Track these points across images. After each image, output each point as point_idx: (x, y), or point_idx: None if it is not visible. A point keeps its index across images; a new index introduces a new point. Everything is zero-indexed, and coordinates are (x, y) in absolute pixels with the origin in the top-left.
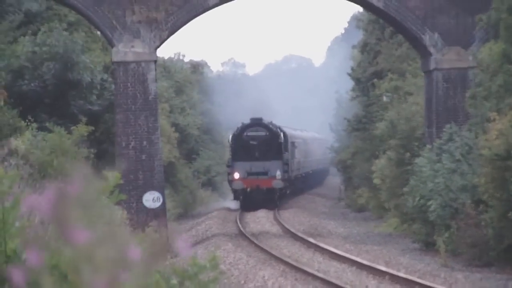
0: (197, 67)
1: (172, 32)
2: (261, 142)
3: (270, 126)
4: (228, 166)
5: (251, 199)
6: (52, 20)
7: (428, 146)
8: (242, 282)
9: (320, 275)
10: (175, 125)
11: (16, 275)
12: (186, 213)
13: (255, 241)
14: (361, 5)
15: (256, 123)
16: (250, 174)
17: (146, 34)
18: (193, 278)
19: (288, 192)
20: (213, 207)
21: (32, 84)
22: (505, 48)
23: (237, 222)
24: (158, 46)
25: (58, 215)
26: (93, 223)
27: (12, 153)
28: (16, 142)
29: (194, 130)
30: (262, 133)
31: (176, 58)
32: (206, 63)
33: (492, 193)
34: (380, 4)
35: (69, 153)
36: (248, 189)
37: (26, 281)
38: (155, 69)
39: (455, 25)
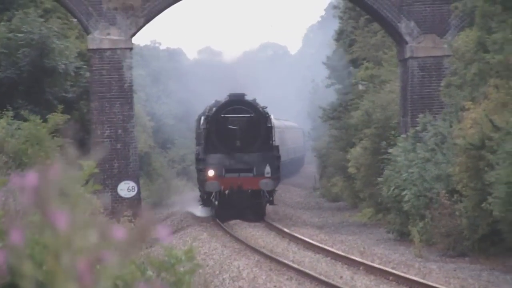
0: (173, 55)
1: (148, 19)
2: (245, 127)
3: (256, 105)
4: (198, 160)
5: (230, 205)
6: (28, 6)
7: (403, 135)
8: (217, 272)
9: (295, 265)
10: (150, 114)
11: None
12: (161, 202)
13: (230, 231)
14: None
15: (237, 100)
16: (229, 171)
17: (122, 21)
18: (169, 270)
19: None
20: (173, 209)
21: (8, 71)
22: (480, 35)
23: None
24: (134, 34)
25: (40, 198)
26: (73, 208)
27: None
28: None
29: (170, 119)
30: (246, 114)
31: (152, 45)
32: (182, 51)
33: (466, 183)
34: None
35: (44, 142)
36: (227, 192)
37: (6, 262)
38: (131, 57)
39: (431, 13)
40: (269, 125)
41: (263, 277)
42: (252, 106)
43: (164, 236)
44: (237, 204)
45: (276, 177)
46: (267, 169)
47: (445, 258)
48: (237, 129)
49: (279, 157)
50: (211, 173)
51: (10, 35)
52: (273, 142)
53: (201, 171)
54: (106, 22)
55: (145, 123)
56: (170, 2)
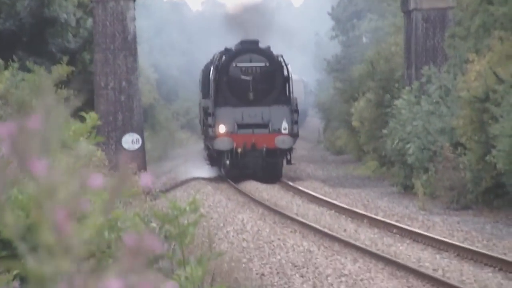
0: (176, 7)
1: None
2: (259, 78)
3: (270, 53)
4: (206, 114)
5: (243, 165)
6: None
7: (407, 88)
8: (221, 225)
9: (299, 218)
10: (154, 65)
11: None
12: (166, 155)
13: (234, 185)
14: None
15: (250, 47)
16: (241, 126)
17: None
18: (173, 221)
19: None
20: (177, 161)
21: (7, 23)
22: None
23: None
24: None
25: (18, 145)
26: (55, 155)
27: None
28: None
29: (174, 71)
30: (260, 63)
31: None
32: (185, 2)
33: (470, 136)
34: None
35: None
36: (239, 150)
37: None
38: (134, 8)
39: None
40: (286, 74)
41: (267, 230)
42: (266, 54)
43: (147, 182)
44: (251, 164)
45: (294, 133)
46: (284, 124)
47: (448, 211)
48: (250, 80)
49: (297, 111)
50: (222, 129)
51: None
52: (291, 95)
53: (210, 127)
54: None
55: (149, 75)
56: None
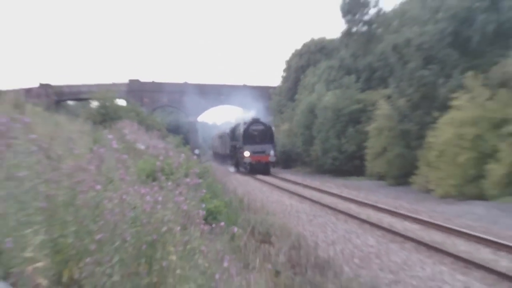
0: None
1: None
2: (260, 133)
3: (265, 122)
4: (239, 148)
5: (255, 168)
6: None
7: None
8: (224, 178)
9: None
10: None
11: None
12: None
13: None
14: None
15: (257, 121)
16: (254, 152)
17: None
18: (206, 169)
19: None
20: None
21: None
22: (275, 117)
23: None
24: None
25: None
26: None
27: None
28: None
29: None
30: (261, 127)
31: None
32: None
33: (305, 145)
34: None
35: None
36: (254, 162)
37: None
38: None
39: (261, 107)
40: (271, 132)
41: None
42: (263, 123)
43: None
44: (258, 168)
45: (276, 155)
46: (271, 152)
47: (310, 175)
48: (257, 134)
49: (275, 146)
50: (247, 154)
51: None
52: (273, 139)
53: (241, 153)
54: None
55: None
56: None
